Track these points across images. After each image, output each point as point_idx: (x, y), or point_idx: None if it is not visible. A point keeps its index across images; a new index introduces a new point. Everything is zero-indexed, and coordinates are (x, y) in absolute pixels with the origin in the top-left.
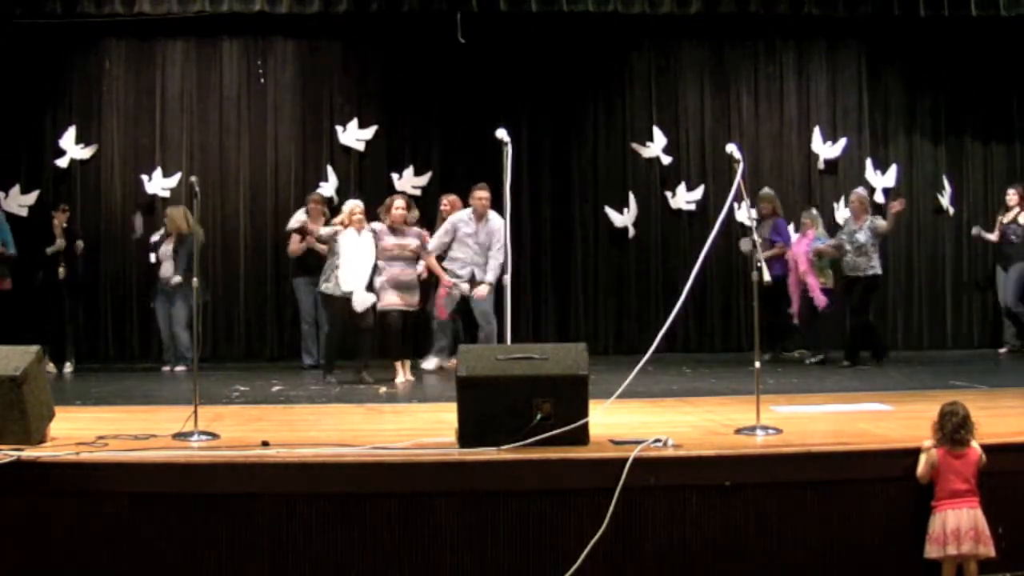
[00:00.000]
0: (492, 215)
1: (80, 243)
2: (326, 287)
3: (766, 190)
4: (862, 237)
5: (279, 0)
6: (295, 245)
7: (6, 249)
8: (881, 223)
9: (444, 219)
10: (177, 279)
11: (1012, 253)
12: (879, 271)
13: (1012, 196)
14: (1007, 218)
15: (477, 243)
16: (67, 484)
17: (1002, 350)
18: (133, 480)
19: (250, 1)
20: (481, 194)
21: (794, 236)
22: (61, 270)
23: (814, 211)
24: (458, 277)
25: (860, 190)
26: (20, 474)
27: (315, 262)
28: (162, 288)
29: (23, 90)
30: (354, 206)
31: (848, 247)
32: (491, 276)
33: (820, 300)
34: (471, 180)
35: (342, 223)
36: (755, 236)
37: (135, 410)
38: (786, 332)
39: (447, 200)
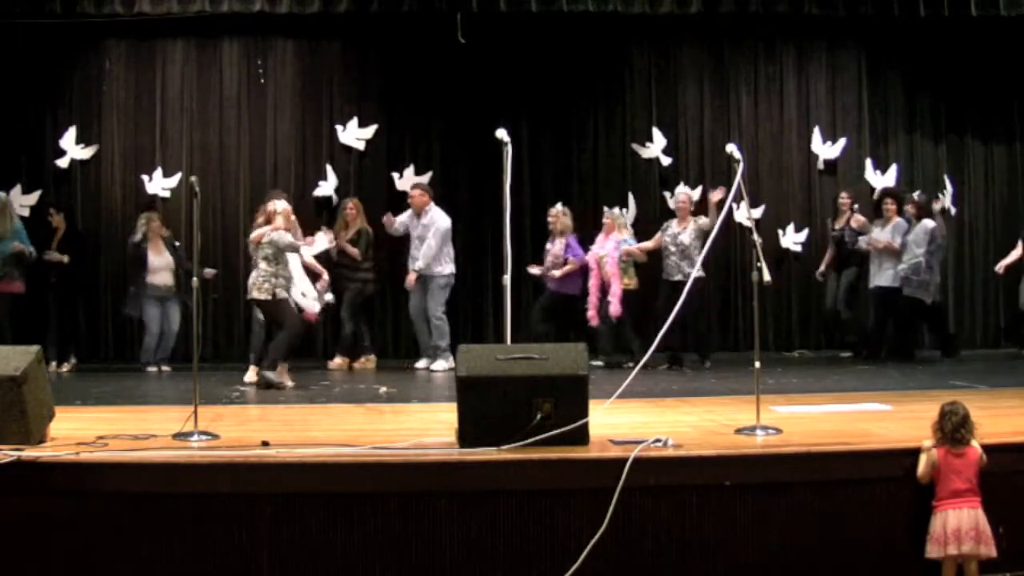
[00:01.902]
0: (434, 211)
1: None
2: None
3: (558, 207)
4: (686, 239)
5: (279, 0)
6: None
7: (28, 250)
8: (704, 221)
9: (347, 223)
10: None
11: (846, 257)
12: (702, 274)
13: (844, 200)
14: (840, 223)
15: (416, 238)
16: (67, 484)
17: (845, 354)
18: (133, 480)
19: (250, 1)
20: (412, 192)
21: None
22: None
23: (616, 211)
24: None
25: (685, 189)
26: (20, 474)
27: None
28: (152, 294)
29: (23, 90)
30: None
31: (672, 249)
32: (419, 264)
33: (616, 310)
34: (471, 179)
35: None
36: (756, 237)
37: (135, 410)
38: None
39: (352, 203)
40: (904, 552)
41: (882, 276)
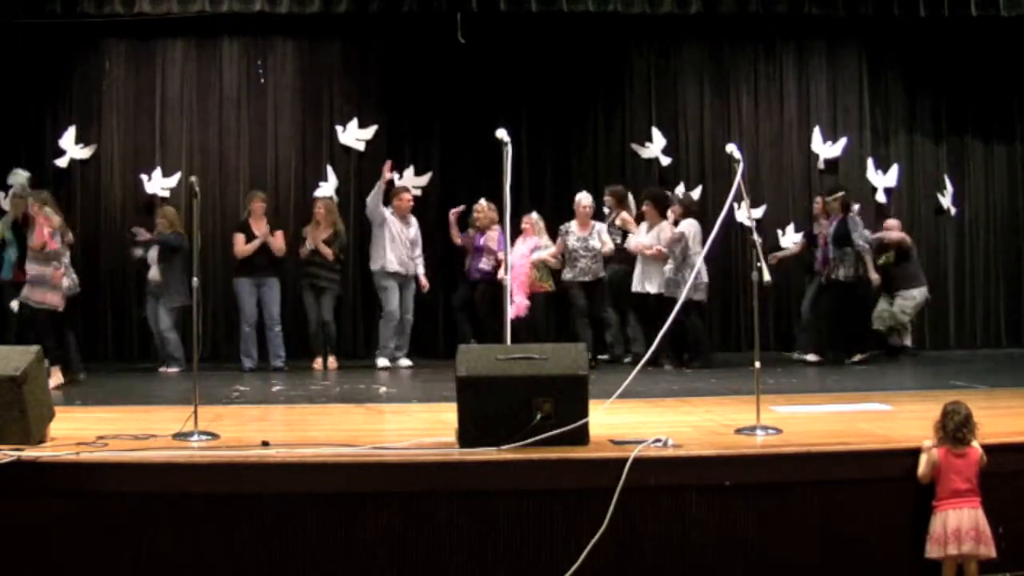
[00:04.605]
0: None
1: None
2: None
3: (483, 202)
4: (595, 243)
5: (279, 0)
6: (241, 246)
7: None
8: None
9: (318, 222)
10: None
11: (610, 257)
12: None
13: (608, 199)
14: (606, 222)
15: (407, 240)
16: (67, 484)
17: (627, 359)
18: (133, 480)
19: (250, 1)
20: (404, 195)
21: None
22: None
23: (535, 215)
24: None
25: (583, 196)
26: (20, 474)
27: (262, 262)
28: (150, 291)
29: (23, 90)
30: None
31: (584, 255)
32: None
33: (515, 313)
34: (471, 179)
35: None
36: (755, 237)
37: (135, 410)
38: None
39: (322, 203)
40: (904, 552)
41: (651, 282)
